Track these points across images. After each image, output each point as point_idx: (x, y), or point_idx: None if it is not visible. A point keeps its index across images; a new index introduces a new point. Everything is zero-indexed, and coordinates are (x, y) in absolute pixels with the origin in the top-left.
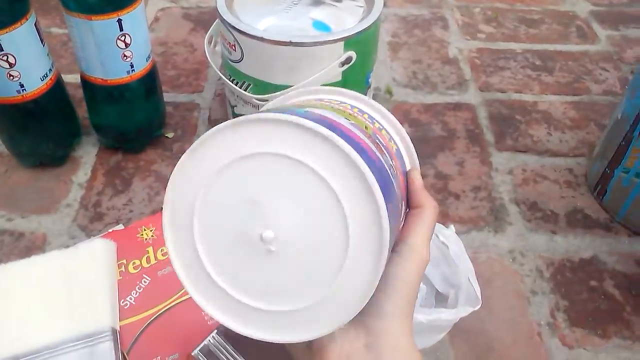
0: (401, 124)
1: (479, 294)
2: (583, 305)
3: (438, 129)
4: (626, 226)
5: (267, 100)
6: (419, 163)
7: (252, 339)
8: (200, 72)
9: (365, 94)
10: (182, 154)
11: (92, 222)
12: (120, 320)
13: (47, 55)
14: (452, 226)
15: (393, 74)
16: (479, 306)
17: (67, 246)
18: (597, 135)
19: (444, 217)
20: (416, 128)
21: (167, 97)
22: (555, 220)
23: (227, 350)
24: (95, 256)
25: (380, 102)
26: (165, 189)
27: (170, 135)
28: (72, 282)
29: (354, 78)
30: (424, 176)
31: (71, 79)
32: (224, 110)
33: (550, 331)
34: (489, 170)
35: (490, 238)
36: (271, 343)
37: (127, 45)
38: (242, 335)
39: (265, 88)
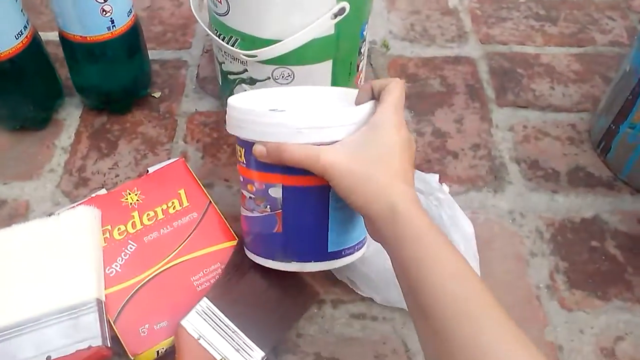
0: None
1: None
2: (583, 266)
3: (436, 84)
4: (630, 184)
5: (255, 56)
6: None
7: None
8: (188, 27)
9: (360, 48)
10: (170, 115)
11: (76, 187)
12: (105, 289)
13: (21, 11)
14: (445, 185)
15: (390, 27)
16: None
17: (51, 213)
18: (602, 89)
19: (442, 177)
20: (413, 83)
21: (153, 54)
22: (557, 179)
23: (217, 316)
24: (78, 224)
25: (376, 56)
26: (152, 151)
27: (157, 94)
28: (55, 252)
29: (348, 31)
30: (421, 133)
31: (53, 36)
32: (213, 67)
33: (549, 294)
34: (488, 127)
35: (489, 198)
36: None
37: None
38: (231, 301)
39: (254, 43)
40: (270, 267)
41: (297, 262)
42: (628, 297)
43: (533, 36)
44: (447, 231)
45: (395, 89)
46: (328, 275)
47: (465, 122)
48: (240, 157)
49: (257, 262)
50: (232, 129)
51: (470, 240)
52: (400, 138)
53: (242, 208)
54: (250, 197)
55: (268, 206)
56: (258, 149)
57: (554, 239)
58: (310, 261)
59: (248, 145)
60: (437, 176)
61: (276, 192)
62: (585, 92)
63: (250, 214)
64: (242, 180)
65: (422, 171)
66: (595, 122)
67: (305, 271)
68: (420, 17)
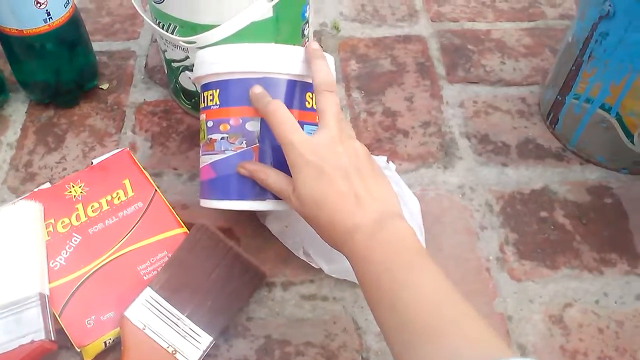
0: (348, 60)
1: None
2: (532, 237)
3: (387, 64)
4: (578, 154)
5: (194, 42)
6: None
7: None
8: (136, 17)
9: (303, 30)
10: (118, 106)
11: (23, 183)
12: (50, 283)
13: None
14: (391, 163)
15: (340, 8)
16: None
17: None
18: (551, 62)
19: (392, 155)
20: (364, 64)
21: (102, 45)
22: (507, 152)
23: (161, 305)
24: (19, 219)
25: (326, 38)
26: (100, 143)
27: (105, 86)
28: None
29: (287, 14)
30: (371, 113)
31: None
32: (161, 57)
33: (499, 265)
34: (439, 104)
35: (439, 174)
36: None
37: None
38: (175, 288)
39: (193, 29)
40: (243, 208)
41: (272, 198)
42: (576, 264)
43: (484, 12)
44: None
45: (317, 101)
46: (278, 257)
47: (416, 100)
48: (212, 100)
49: (226, 207)
50: (204, 71)
51: (415, 214)
52: (345, 152)
53: (205, 157)
54: (222, 138)
55: (244, 142)
56: (255, 88)
57: (503, 211)
58: None
59: (224, 84)
60: (385, 157)
61: (253, 126)
62: (536, 65)
63: (221, 156)
64: (210, 125)
65: (373, 151)
66: (543, 94)
67: (280, 209)
68: None
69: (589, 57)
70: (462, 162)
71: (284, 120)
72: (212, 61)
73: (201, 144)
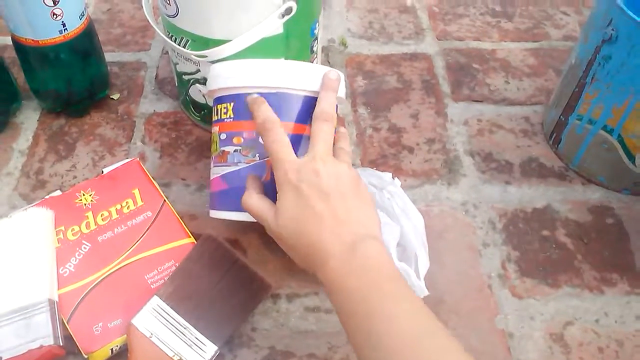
0: (355, 76)
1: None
2: (534, 255)
3: (393, 81)
4: (580, 174)
5: (205, 57)
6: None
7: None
8: (147, 29)
9: (312, 46)
10: (128, 116)
11: (34, 190)
12: (59, 289)
13: None
14: (397, 180)
15: (348, 25)
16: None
17: (10, 215)
18: (555, 83)
19: (397, 171)
20: (370, 80)
21: (113, 56)
22: (510, 171)
23: (168, 313)
24: (30, 226)
25: (333, 54)
26: (110, 152)
27: (115, 96)
28: (7, 255)
29: (297, 30)
30: (377, 129)
31: (9, 40)
32: (171, 69)
33: (501, 282)
34: (444, 122)
35: (443, 191)
36: None
37: (55, 2)
38: (182, 298)
39: (205, 43)
40: (253, 220)
41: None
42: (577, 283)
43: (489, 32)
44: (399, 221)
45: (314, 134)
46: (283, 269)
47: (421, 117)
48: (226, 113)
49: (237, 219)
50: (218, 85)
51: (420, 229)
52: (326, 173)
53: (217, 168)
54: (235, 150)
55: (257, 155)
56: (254, 97)
57: (506, 229)
58: None
59: (238, 97)
60: (390, 174)
61: None
62: (539, 85)
63: (233, 169)
64: (223, 138)
65: (378, 167)
66: (547, 114)
67: None
68: (379, 15)
69: (591, 79)
70: (465, 179)
71: (277, 138)
72: (228, 75)
73: (213, 156)
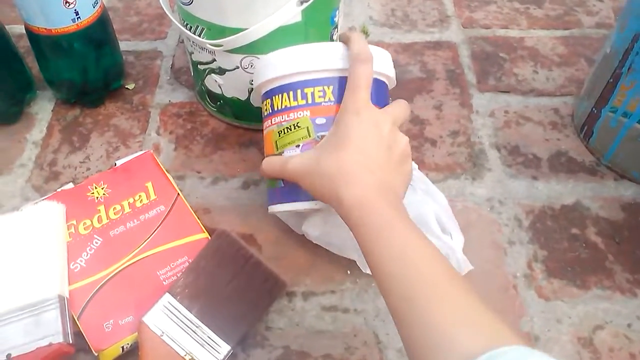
0: None
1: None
2: (562, 254)
3: (416, 70)
4: (613, 169)
5: (221, 46)
6: None
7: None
8: (164, 17)
9: (332, 35)
10: (143, 106)
11: (47, 182)
12: (69, 285)
13: None
14: (414, 163)
15: (370, 12)
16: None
17: (21, 209)
18: (587, 73)
19: (420, 165)
20: None
21: (129, 45)
22: (538, 165)
23: (180, 312)
24: (41, 220)
25: None
26: (124, 143)
27: (130, 86)
28: (17, 249)
29: (317, 18)
30: None
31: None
32: (187, 58)
33: (527, 283)
34: (468, 113)
35: (467, 186)
36: None
37: None
38: (194, 295)
39: (220, 32)
40: (315, 207)
41: None
42: (608, 285)
43: (517, 19)
44: (424, 201)
45: (352, 70)
46: (299, 266)
47: (445, 108)
48: (322, 97)
49: (303, 208)
50: (313, 66)
51: (444, 207)
52: (359, 121)
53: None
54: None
55: None
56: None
57: (532, 226)
58: None
59: (339, 81)
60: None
61: None
62: (570, 75)
63: None
64: (321, 123)
65: None
66: (578, 106)
67: None
68: (402, 2)
69: (628, 69)
70: (491, 173)
71: (367, 73)
72: (321, 58)
73: (301, 144)
